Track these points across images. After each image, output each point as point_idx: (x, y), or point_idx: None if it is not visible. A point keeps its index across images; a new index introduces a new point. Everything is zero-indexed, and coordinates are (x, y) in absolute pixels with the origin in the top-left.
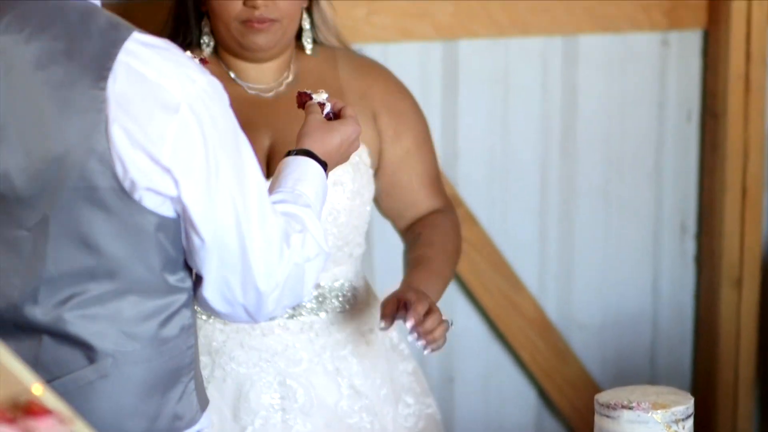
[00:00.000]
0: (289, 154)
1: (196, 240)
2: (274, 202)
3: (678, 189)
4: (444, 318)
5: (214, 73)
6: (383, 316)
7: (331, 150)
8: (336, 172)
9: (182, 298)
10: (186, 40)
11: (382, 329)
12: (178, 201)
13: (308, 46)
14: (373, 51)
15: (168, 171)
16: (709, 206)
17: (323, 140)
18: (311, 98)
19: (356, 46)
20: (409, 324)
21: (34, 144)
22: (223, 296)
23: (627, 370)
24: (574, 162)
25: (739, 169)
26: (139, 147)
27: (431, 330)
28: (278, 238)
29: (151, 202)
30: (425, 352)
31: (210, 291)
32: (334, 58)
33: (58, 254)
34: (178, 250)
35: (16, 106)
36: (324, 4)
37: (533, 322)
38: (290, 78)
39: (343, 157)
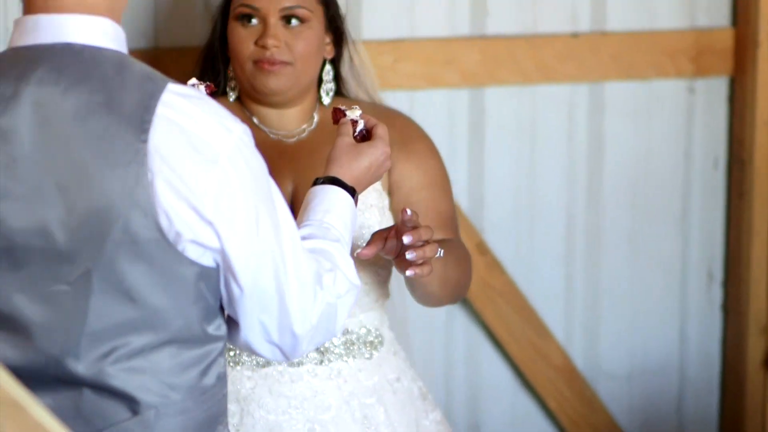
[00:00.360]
0: (316, 181)
1: (235, 288)
2: (303, 237)
3: (705, 236)
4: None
5: (236, 117)
6: (370, 243)
7: (360, 174)
8: (360, 216)
9: (219, 346)
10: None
11: (361, 254)
12: (219, 252)
13: (325, 98)
14: (399, 98)
15: (210, 224)
16: (736, 254)
17: (351, 165)
18: (345, 115)
19: (383, 93)
20: (408, 239)
21: (75, 198)
22: (261, 338)
23: (654, 419)
24: (600, 209)
25: (765, 216)
26: (183, 199)
27: (429, 257)
28: (312, 280)
29: (193, 252)
30: (409, 273)
31: (249, 335)
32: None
33: (100, 308)
34: (216, 299)
35: (55, 159)
36: (357, 60)
37: (560, 369)
38: (313, 126)
39: (374, 178)
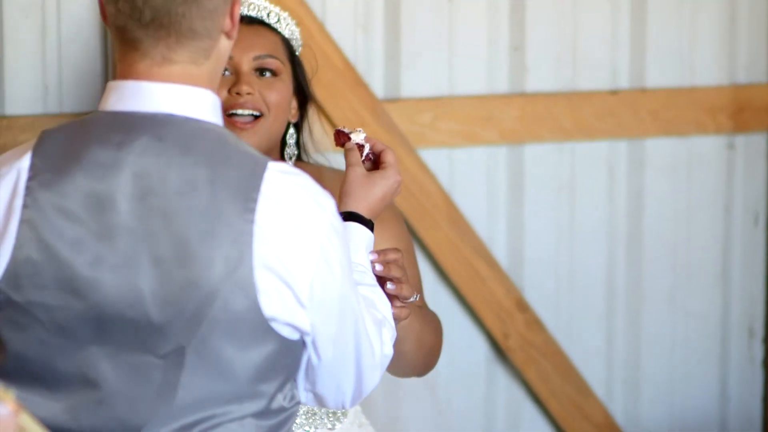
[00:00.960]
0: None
1: (314, 359)
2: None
3: (745, 293)
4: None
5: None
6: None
7: (375, 206)
8: None
9: (289, 418)
10: None
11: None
12: (308, 331)
13: (289, 163)
14: (438, 155)
15: (304, 307)
16: None
17: (367, 197)
18: (349, 138)
19: (422, 151)
20: (392, 287)
21: (173, 272)
22: (334, 398)
23: None
24: (640, 266)
25: None
26: (283, 282)
27: (407, 296)
28: (378, 341)
29: (285, 330)
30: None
31: (325, 395)
32: (321, 175)
33: (190, 383)
34: (294, 370)
35: (154, 232)
36: (316, 124)
37: (601, 427)
38: None
39: (386, 206)
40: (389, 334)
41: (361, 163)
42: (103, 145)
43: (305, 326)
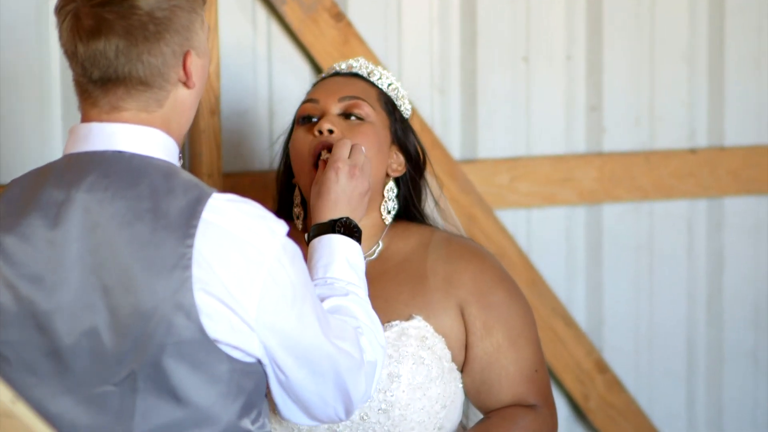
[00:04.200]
0: (310, 236)
1: (281, 377)
2: (320, 298)
3: None
4: None
5: (299, 240)
6: None
7: (339, 203)
8: (392, 365)
9: None
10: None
11: None
12: (263, 354)
13: (387, 216)
14: (516, 216)
15: (253, 330)
16: None
17: (323, 203)
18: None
19: (500, 212)
20: None
21: (121, 301)
22: (324, 412)
23: None
24: (721, 326)
25: None
26: (225, 305)
27: None
28: (356, 350)
29: (236, 354)
30: None
31: (312, 409)
32: (428, 241)
33: (146, 408)
34: (258, 394)
35: (102, 263)
36: (430, 181)
37: None
38: (374, 256)
39: (358, 198)
40: (369, 339)
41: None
42: (57, 186)
43: (255, 350)
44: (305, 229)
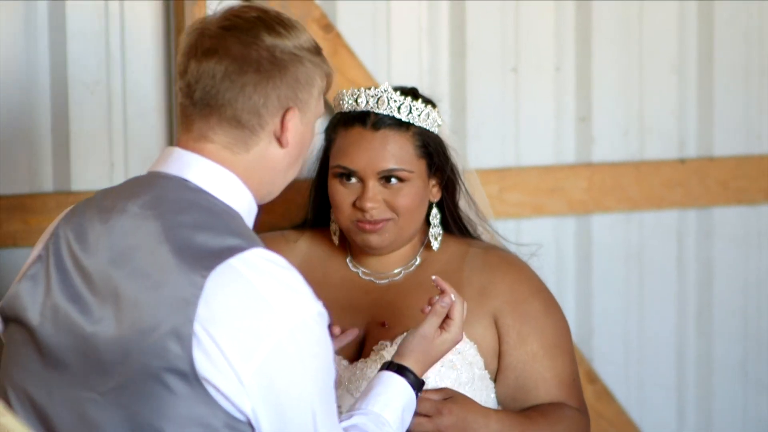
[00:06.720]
0: (389, 366)
1: None
2: (354, 425)
3: None
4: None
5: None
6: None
7: (430, 365)
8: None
9: None
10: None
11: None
12: (248, 414)
13: (434, 243)
14: (506, 226)
15: (243, 385)
16: None
17: (425, 360)
18: (444, 292)
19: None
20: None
21: (127, 313)
22: None
23: None
24: (710, 336)
25: None
26: (218, 348)
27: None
28: None
29: (224, 403)
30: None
31: None
32: (465, 253)
33: (117, 426)
34: None
35: (120, 278)
36: (464, 198)
37: None
38: (411, 269)
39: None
40: None
41: (437, 325)
42: (121, 196)
43: (244, 405)
44: (341, 243)
